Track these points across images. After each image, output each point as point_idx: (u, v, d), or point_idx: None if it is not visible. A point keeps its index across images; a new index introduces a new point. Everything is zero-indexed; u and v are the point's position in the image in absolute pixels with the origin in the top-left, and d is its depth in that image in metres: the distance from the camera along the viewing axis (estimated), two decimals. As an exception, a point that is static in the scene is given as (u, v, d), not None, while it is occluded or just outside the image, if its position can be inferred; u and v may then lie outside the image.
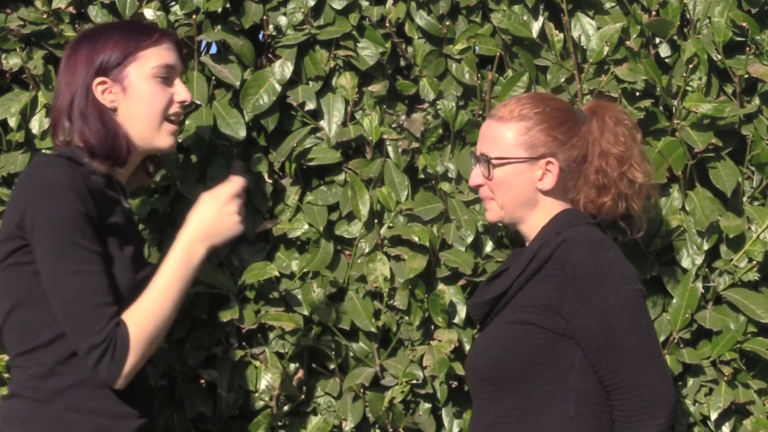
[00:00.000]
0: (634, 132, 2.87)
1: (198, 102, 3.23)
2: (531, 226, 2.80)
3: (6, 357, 3.27)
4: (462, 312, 3.25)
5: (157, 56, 2.68)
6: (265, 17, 3.27)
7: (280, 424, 3.29)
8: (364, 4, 3.32)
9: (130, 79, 2.65)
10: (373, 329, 3.26)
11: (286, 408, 3.29)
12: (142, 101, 2.66)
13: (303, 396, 3.29)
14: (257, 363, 3.26)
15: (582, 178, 2.79)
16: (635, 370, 2.55)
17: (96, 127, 2.62)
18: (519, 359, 2.62)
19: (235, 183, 2.67)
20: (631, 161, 2.82)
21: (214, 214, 2.63)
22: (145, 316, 2.50)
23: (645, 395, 2.53)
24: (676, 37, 3.33)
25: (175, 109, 2.71)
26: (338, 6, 3.29)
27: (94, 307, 2.45)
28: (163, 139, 2.70)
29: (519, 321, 2.65)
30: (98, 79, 2.64)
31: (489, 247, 3.28)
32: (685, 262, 3.26)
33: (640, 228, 2.95)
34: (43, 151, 3.28)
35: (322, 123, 3.30)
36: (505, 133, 2.78)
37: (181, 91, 2.71)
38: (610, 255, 2.64)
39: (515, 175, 2.77)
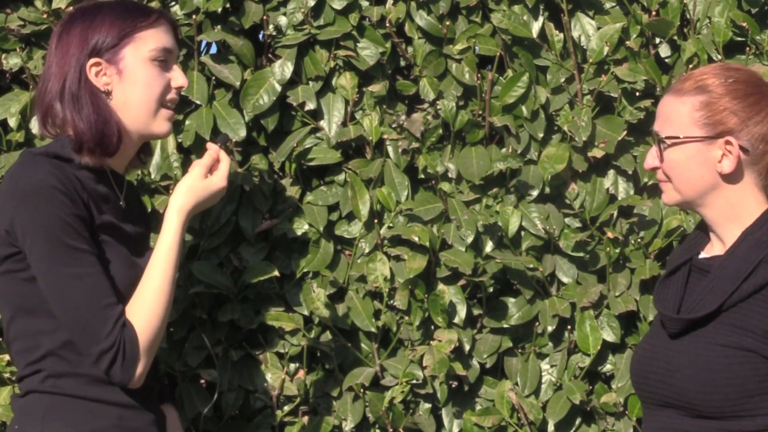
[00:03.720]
0: None
1: (198, 102, 3.23)
2: (717, 214, 2.45)
3: (7, 356, 3.28)
4: (462, 312, 3.25)
5: (155, 38, 2.55)
6: (265, 17, 3.27)
7: (279, 423, 3.29)
8: (364, 4, 3.32)
9: (127, 61, 2.52)
10: (373, 329, 3.26)
11: (286, 408, 3.29)
12: (139, 85, 2.54)
13: (303, 396, 3.29)
14: (257, 363, 3.26)
15: None
16: None
17: (87, 113, 2.50)
18: (736, 389, 2.31)
19: (210, 153, 2.62)
20: None
21: (210, 198, 2.59)
22: (149, 310, 2.45)
23: None
24: (676, 37, 3.33)
25: (172, 95, 2.60)
26: (338, 6, 3.29)
27: (99, 311, 2.39)
28: (160, 124, 2.59)
29: (736, 345, 2.33)
30: (92, 60, 2.51)
31: (489, 247, 3.28)
32: (685, 262, 3.26)
33: None
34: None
35: (322, 123, 3.30)
36: (680, 108, 2.42)
37: (178, 77, 2.60)
38: None
39: (690, 158, 2.41)
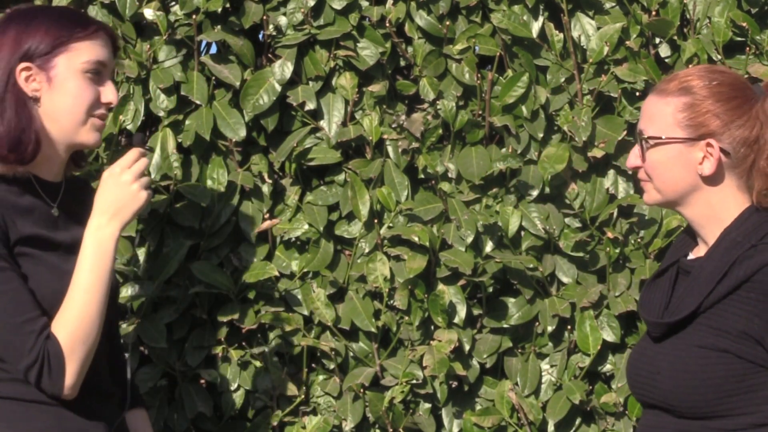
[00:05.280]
0: None
1: (198, 102, 3.23)
2: (698, 215, 2.45)
3: None
4: (462, 312, 3.25)
5: (89, 51, 2.47)
6: (265, 17, 3.27)
7: (279, 423, 3.29)
8: (364, 4, 3.32)
9: (58, 70, 2.45)
10: (373, 329, 3.26)
11: (286, 408, 3.29)
12: (68, 96, 2.46)
13: (303, 396, 3.29)
14: (257, 363, 3.26)
15: (753, 163, 2.41)
16: None
17: (9, 117, 2.42)
18: (714, 390, 2.34)
19: (129, 154, 2.50)
20: None
21: (112, 190, 2.46)
22: (73, 319, 2.38)
23: None
24: (676, 37, 3.33)
25: (101, 110, 2.50)
26: (338, 6, 3.29)
27: (19, 326, 2.33)
28: (87, 134, 2.50)
29: (712, 347, 2.35)
30: (23, 65, 2.43)
31: (489, 247, 3.28)
32: (685, 262, 3.26)
33: None
34: None
35: (322, 123, 3.30)
36: (664, 108, 2.42)
37: (109, 93, 2.51)
38: None
39: (672, 159, 2.41)
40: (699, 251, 2.50)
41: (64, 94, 2.47)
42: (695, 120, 2.40)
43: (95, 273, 2.41)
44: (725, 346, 2.33)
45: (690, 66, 3.24)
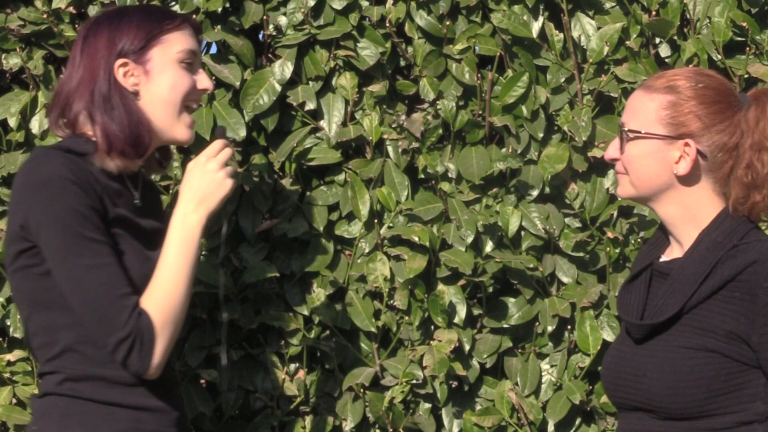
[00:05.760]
0: None
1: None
2: (671, 214, 2.48)
3: (7, 356, 3.28)
4: (462, 312, 3.25)
5: (181, 41, 2.57)
6: (265, 17, 3.27)
7: (279, 423, 3.29)
8: (364, 4, 3.32)
9: (154, 62, 2.53)
10: (373, 329, 3.26)
11: (286, 408, 3.29)
12: (165, 85, 2.54)
13: (303, 396, 3.29)
14: (257, 363, 3.26)
15: (732, 171, 2.44)
16: None
17: (119, 114, 2.51)
18: (702, 390, 2.35)
19: (214, 144, 2.58)
20: None
21: (198, 179, 2.53)
22: (163, 299, 2.43)
23: None
24: (676, 37, 3.33)
25: (196, 97, 2.61)
26: (338, 6, 3.29)
27: (116, 300, 2.38)
28: (182, 130, 2.59)
29: (699, 347, 2.36)
30: (120, 61, 2.51)
31: (489, 247, 3.28)
32: (685, 262, 3.26)
33: None
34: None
35: (322, 123, 3.30)
36: (648, 104, 2.46)
37: (203, 79, 2.61)
38: None
39: (649, 154, 2.44)
40: (673, 253, 2.52)
41: (161, 85, 2.55)
42: (677, 119, 2.42)
43: (182, 258, 2.47)
44: (712, 346, 2.35)
45: (690, 66, 3.25)
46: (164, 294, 2.44)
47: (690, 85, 2.44)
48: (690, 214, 2.45)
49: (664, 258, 2.52)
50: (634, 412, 2.45)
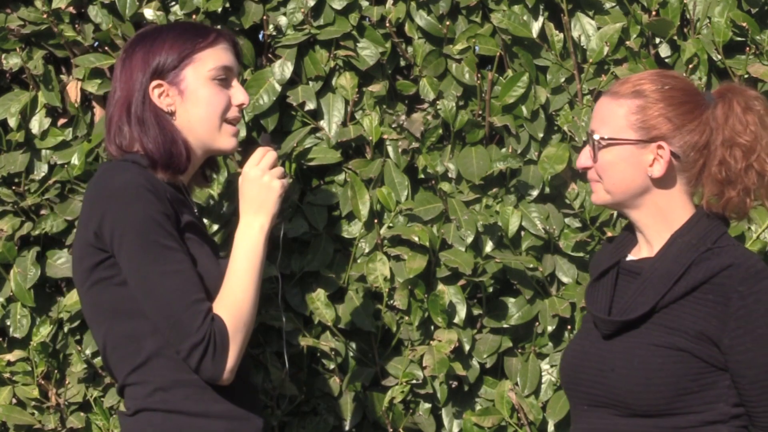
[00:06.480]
0: (766, 119, 2.49)
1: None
2: (645, 217, 2.49)
3: (7, 356, 3.28)
4: (462, 312, 3.25)
5: (213, 58, 2.60)
6: (265, 17, 3.27)
7: (279, 423, 3.29)
8: (364, 4, 3.32)
9: (188, 82, 2.58)
10: (373, 329, 3.26)
11: (286, 408, 3.29)
12: (200, 104, 2.58)
13: (303, 396, 3.29)
14: (257, 363, 3.26)
15: (704, 169, 2.46)
16: None
17: (154, 134, 2.55)
18: (671, 388, 2.37)
19: (256, 153, 2.60)
20: (760, 152, 2.46)
21: (247, 190, 2.57)
22: (234, 304, 2.46)
23: None
24: (676, 37, 3.33)
25: (233, 112, 2.63)
26: (338, 6, 3.29)
27: (190, 306, 2.40)
28: (225, 140, 2.62)
29: (669, 345, 2.38)
30: (155, 83, 2.56)
31: (489, 247, 3.28)
32: (685, 262, 3.26)
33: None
34: (46, 151, 3.29)
35: (322, 123, 3.30)
36: (616, 110, 2.46)
37: (238, 94, 2.63)
38: None
39: (623, 160, 2.45)
40: (641, 252, 2.53)
41: (196, 104, 2.59)
42: (647, 122, 2.43)
43: (249, 265, 2.50)
44: (683, 346, 2.37)
45: (690, 66, 3.25)
46: (235, 299, 2.47)
47: (656, 88, 2.45)
48: (662, 216, 2.47)
49: (631, 257, 2.54)
50: (596, 410, 2.46)
